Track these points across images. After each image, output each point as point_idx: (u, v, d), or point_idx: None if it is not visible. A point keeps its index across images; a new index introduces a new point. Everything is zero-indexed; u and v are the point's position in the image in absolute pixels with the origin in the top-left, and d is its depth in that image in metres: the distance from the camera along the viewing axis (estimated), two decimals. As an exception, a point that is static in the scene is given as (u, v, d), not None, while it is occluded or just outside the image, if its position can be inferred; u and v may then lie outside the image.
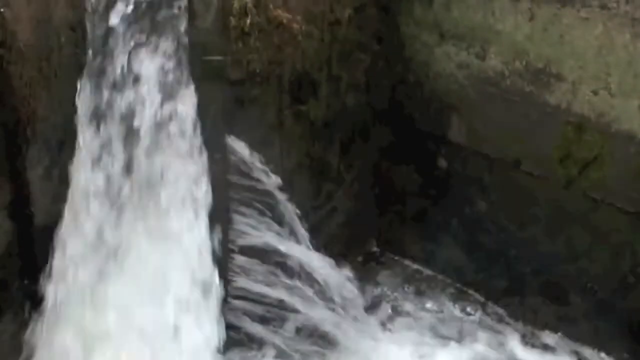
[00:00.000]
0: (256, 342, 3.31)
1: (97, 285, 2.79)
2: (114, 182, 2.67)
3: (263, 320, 3.30)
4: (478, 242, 3.58)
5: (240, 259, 3.19)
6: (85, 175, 2.67)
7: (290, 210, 3.18)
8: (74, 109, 2.63)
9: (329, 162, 3.44)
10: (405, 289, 3.74)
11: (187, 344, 2.91)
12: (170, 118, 2.66)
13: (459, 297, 3.68)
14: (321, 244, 3.38)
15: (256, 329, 3.29)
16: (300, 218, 3.22)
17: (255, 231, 3.16)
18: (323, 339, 3.36)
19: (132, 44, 2.54)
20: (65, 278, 2.78)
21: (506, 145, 3.37)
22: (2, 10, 2.59)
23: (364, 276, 3.70)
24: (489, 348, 3.46)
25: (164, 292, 2.86)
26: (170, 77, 2.60)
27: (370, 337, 3.45)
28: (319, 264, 3.30)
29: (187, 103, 2.68)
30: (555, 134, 3.22)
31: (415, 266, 3.82)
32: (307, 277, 3.29)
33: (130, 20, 2.52)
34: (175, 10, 2.58)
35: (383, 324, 3.56)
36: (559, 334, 3.48)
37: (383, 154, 3.70)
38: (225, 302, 3.22)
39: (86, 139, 2.64)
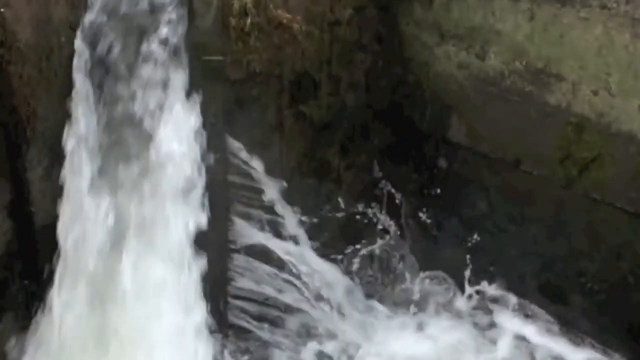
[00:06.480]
0: (256, 340, 3.32)
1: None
2: None
3: (262, 319, 3.31)
4: (478, 242, 3.58)
5: (240, 259, 3.19)
6: None
7: (289, 210, 3.18)
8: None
9: (329, 162, 3.44)
10: (405, 289, 3.74)
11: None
12: None
13: (458, 297, 3.67)
14: (321, 244, 3.39)
15: (255, 326, 3.30)
16: (300, 218, 3.23)
17: (255, 231, 3.17)
18: (322, 335, 3.37)
19: None
20: None
21: (506, 145, 3.37)
22: (2, 10, 2.60)
23: (364, 276, 3.71)
24: (489, 347, 3.46)
25: None
26: None
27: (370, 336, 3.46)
28: (318, 264, 3.30)
29: None
30: (555, 134, 3.21)
31: (416, 266, 3.82)
32: (306, 277, 3.29)
33: None
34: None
35: (383, 324, 3.57)
36: (559, 334, 3.48)
37: (383, 154, 3.70)
38: (225, 302, 3.23)
39: None
